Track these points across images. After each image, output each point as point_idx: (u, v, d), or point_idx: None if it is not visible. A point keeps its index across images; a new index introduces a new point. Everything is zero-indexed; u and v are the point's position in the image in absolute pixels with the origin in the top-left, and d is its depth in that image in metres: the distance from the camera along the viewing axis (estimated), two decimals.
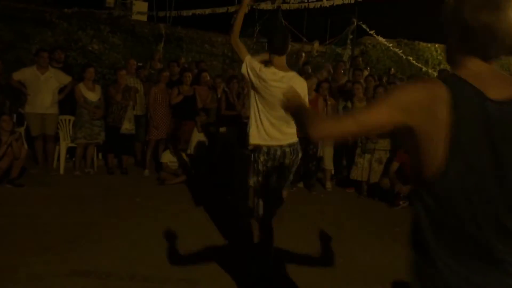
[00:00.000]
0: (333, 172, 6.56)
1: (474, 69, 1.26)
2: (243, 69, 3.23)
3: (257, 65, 3.17)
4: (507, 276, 1.21)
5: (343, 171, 6.86)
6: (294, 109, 1.53)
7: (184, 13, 12.91)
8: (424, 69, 11.00)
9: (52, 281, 3.11)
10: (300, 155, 3.29)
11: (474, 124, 1.17)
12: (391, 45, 11.26)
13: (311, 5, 11.03)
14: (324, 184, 6.41)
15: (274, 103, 3.01)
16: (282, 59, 3.17)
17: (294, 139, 3.21)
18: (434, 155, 1.19)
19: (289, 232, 4.40)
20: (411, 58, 11.47)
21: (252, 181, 3.33)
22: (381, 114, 1.25)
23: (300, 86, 3.10)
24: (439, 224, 1.24)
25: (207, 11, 12.30)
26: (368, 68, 10.84)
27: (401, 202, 5.67)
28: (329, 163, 6.30)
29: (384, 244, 4.36)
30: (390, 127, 1.26)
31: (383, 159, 5.90)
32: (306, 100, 3.19)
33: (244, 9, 3.32)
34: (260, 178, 3.23)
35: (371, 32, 11.12)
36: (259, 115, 3.15)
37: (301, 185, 6.26)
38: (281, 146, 3.15)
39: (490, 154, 1.16)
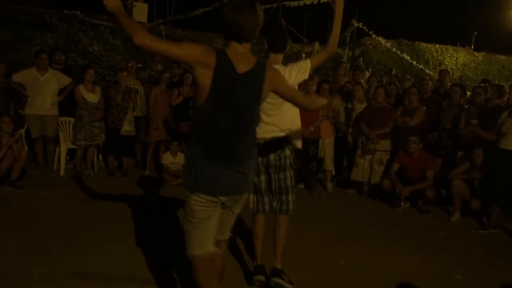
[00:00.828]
0: (333, 173, 6.55)
1: (233, 48, 2.19)
2: None
3: None
4: (232, 170, 2.21)
5: (343, 172, 6.85)
6: (122, 15, 2.01)
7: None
8: (423, 68, 10.97)
9: (52, 283, 3.10)
10: (291, 159, 3.24)
11: (225, 80, 2.13)
12: (389, 43, 11.24)
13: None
14: (325, 185, 6.39)
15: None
16: (279, 57, 3.17)
17: (284, 143, 3.18)
18: (203, 90, 2.13)
19: (290, 233, 4.38)
20: (409, 58, 11.44)
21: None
22: (183, 51, 2.07)
23: (294, 73, 3.12)
24: (200, 132, 2.21)
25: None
26: (370, 69, 10.84)
27: (402, 203, 5.65)
28: (329, 164, 6.29)
29: (385, 245, 4.35)
30: (184, 61, 2.12)
31: (383, 160, 5.88)
32: (296, 88, 3.04)
33: None
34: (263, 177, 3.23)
35: (370, 32, 11.11)
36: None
37: (301, 186, 6.24)
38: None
39: (232, 97, 2.16)
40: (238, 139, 2.22)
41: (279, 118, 3.11)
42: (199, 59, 2.08)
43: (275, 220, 3.32)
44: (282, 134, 3.15)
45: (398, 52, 12.08)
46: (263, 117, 2.89)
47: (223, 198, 2.24)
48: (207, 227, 2.26)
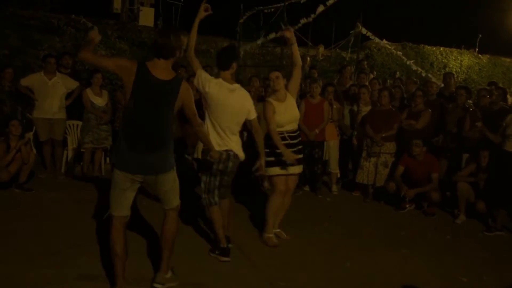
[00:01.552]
0: (339, 175, 6.56)
1: (155, 62, 2.88)
2: (195, 81, 3.70)
3: (207, 77, 3.65)
4: (145, 155, 2.85)
5: (349, 174, 6.86)
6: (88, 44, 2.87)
7: None
8: (423, 72, 10.95)
9: (60, 285, 3.15)
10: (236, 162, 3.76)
11: (144, 84, 2.82)
12: (393, 47, 11.24)
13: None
14: (330, 188, 6.41)
15: (220, 113, 3.60)
16: (226, 74, 3.68)
17: (235, 147, 3.70)
18: (128, 91, 2.83)
19: (295, 235, 4.42)
20: (406, 60, 11.42)
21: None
22: (111, 63, 2.85)
23: (245, 97, 3.72)
24: (126, 122, 2.91)
25: None
26: (374, 72, 10.84)
27: (407, 206, 5.66)
28: (335, 167, 6.31)
29: (390, 247, 4.36)
30: (112, 70, 2.85)
31: (388, 162, 5.89)
32: (253, 110, 3.72)
33: (201, 16, 3.73)
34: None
35: (371, 36, 11.12)
36: (212, 124, 3.64)
37: (307, 188, 6.26)
38: (227, 151, 3.65)
39: (148, 98, 2.83)
40: (150, 132, 2.86)
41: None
42: (125, 68, 2.81)
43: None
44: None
45: (400, 53, 12.03)
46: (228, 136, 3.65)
47: (138, 177, 2.91)
48: (124, 196, 2.95)
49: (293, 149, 4.13)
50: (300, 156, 4.25)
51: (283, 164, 4.09)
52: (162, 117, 2.88)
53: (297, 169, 4.23)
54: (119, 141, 2.89)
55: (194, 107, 3.08)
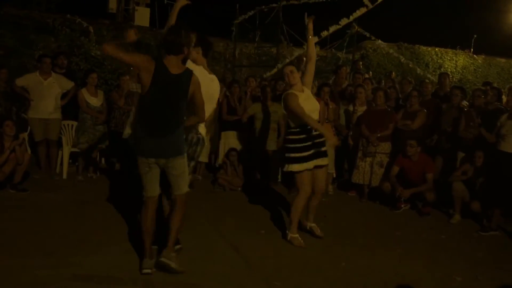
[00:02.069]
0: (334, 175, 6.57)
1: (168, 58, 3.19)
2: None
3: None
4: (162, 139, 3.23)
5: (344, 174, 6.87)
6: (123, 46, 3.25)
7: None
8: (421, 72, 10.99)
9: (54, 286, 3.13)
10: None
11: (160, 79, 3.14)
12: (391, 50, 11.28)
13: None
14: (326, 188, 6.41)
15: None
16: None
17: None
18: (146, 84, 3.15)
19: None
20: (403, 59, 11.47)
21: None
22: (131, 59, 3.17)
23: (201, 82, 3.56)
24: (143, 112, 3.28)
25: None
26: (370, 73, 10.87)
27: (402, 205, 5.67)
28: (330, 167, 6.30)
29: (386, 247, 4.37)
30: (134, 65, 3.19)
31: (384, 162, 5.91)
32: (216, 98, 3.77)
33: (181, 3, 3.80)
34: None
35: (367, 34, 11.15)
36: None
37: None
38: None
39: (164, 91, 3.18)
40: (164, 120, 3.23)
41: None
42: (143, 67, 3.13)
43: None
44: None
45: (394, 53, 12.07)
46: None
47: (152, 160, 3.28)
48: (146, 179, 3.35)
49: (319, 140, 4.08)
50: (325, 148, 4.18)
51: (307, 159, 4.02)
52: (175, 108, 3.25)
53: (323, 161, 4.15)
54: (135, 132, 3.35)
55: (203, 99, 3.37)
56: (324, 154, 4.18)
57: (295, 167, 4.05)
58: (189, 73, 3.26)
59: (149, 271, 3.33)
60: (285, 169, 4.14)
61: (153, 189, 3.39)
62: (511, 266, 4.13)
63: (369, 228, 4.98)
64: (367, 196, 6.07)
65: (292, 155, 4.01)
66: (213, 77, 3.74)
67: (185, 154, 3.38)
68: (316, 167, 4.14)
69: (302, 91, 4.12)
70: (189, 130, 3.57)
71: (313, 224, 4.40)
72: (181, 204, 3.44)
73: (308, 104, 4.08)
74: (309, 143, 4.06)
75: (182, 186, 3.41)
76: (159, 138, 3.22)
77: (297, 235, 4.19)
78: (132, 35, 3.35)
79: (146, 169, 3.32)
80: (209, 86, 3.61)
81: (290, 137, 4.04)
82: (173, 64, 3.18)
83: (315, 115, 4.15)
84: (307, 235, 4.49)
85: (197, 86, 3.30)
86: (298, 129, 4.08)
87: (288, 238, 4.21)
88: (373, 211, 5.70)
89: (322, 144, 4.15)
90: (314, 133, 4.08)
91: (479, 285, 3.70)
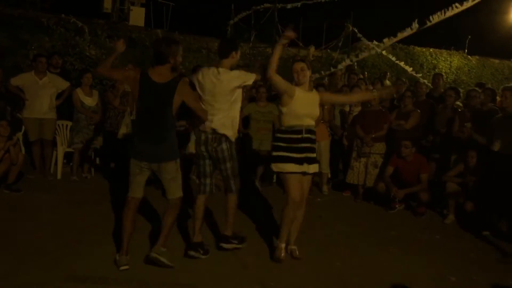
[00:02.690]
0: (329, 175, 6.59)
1: (155, 68, 3.42)
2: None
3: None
4: (154, 144, 3.42)
5: (339, 175, 6.89)
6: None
7: None
8: (412, 72, 11.02)
9: (49, 287, 3.12)
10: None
11: (146, 88, 3.39)
12: (384, 51, 11.31)
13: None
14: (321, 188, 6.43)
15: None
16: (223, 62, 3.90)
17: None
18: (136, 94, 3.45)
19: None
20: (396, 61, 11.51)
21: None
22: (121, 76, 3.69)
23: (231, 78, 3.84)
24: (137, 120, 3.60)
25: None
26: (366, 73, 10.90)
27: (397, 206, 5.70)
28: (325, 167, 6.33)
29: (380, 247, 4.39)
30: (126, 80, 3.69)
31: (378, 162, 5.94)
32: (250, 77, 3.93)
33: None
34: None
35: (360, 35, 11.17)
36: None
37: None
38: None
39: (150, 98, 3.40)
40: (153, 127, 3.41)
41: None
42: (131, 78, 3.45)
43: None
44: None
45: (389, 54, 12.08)
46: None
47: (144, 163, 3.45)
48: (135, 180, 3.51)
49: (308, 144, 3.82)
50: (314, 155, 3.91)
51: (297, 162, 3.77)
52: (162, 114, 3.40)
53: (309, 168, 3.84)
54: (133, 135, 3.62)
55: (194, 101, 3.51)
56: (314, 161, 3.92)
57: (283, 167, 3.80)
58: (175, 81, 3.40)
59: (126, 267, 3.43)
60: (273, 168, 3.91)
61: (138, 191, 3.55)
62: (505, 266, 4.16)
63: (364, 228, 4.99)
64: (361, 197, 6.09)
65: (281, 154, 3.79)
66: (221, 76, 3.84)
67: (178, 160, 3.52)
68: (304, 173, 3.86)
69: (309, 92, 3.90)
70: (199, 133, 3.80)
71: (293, 247, 4.01)
72: (174, 208, 3.59)
73: (308, 107, 3.84)
74: (298, 145, 3.80)
75: (175, 190, 3.56)
76: (151, 143, 3.41)
77: (282, 245, 3.89)
78: (120, 46, 3.54)
79: (137, 171, 3.48)
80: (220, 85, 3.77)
81: (279, 135, 3.87)
82: (158, 74, 3.38)
83: (310, 121, 3.88)
84: (302, 236, 4.50)
85: (185, 93, 3.43)
86: (287, 129, 3.84)
87: (275, 244, 3.98)
88: (367, 211, 5.72)
89: (312, 150, 3.89)
90: (305, 135, 3.83)
91: (473, 285, 3.72)
